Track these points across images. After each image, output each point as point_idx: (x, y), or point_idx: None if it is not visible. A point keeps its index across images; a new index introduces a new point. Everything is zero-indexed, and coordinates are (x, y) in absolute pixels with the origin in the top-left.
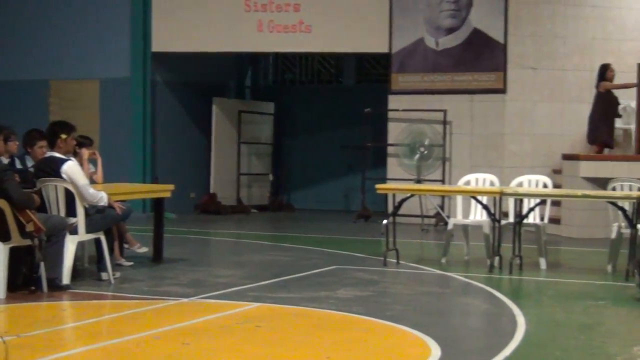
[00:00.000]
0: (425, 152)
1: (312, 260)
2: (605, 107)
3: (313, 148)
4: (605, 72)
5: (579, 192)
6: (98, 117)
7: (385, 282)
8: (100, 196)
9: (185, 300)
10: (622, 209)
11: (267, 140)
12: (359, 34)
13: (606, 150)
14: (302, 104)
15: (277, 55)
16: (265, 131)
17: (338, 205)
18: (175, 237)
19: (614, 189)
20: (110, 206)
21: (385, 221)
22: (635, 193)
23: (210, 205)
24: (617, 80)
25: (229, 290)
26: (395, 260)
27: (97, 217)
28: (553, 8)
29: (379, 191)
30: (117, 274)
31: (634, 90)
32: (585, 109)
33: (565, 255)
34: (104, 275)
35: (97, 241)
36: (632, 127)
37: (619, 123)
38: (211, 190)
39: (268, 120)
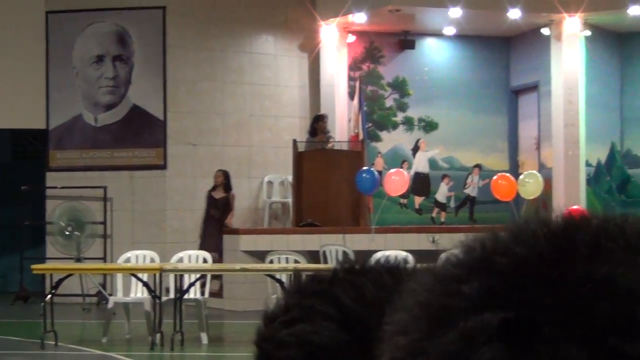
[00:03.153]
0: (72, 232)
1: None
2: None
3: None
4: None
5: (237, 266)
6: None
7: None
8: None
9: None
10: (279, 281)
11: None
12: (14, 110)
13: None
14: None
15: None
16: None
17: None
18: None
19: (271, 261)
20: None
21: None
22: (291, 265)
23: None
24: (275, 153)
25: None
26: (53, 343)
27: None
28: (211, 85)
29: (35, 271)
30: None
31: (290, 164)
32: (244, 183)
33: (227, 329)
34: None
35: None
36: (290, 200)
37: (277, 197)
38: None
39: None
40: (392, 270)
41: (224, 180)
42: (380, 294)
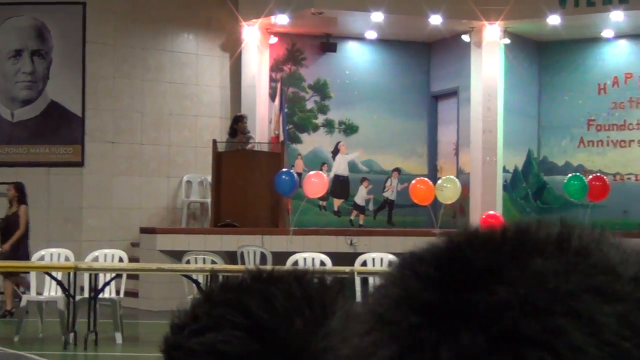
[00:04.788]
0: None
1: None
2: None
3: None
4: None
5: (154, 266)
6: None
7: None
8: None
9: None
10: (195, 281)
11: None
12: None
13: None
14: None
15: None
16: None
17: None
18: None
19: (188, 261)
20: None
21: None
22: (208, 266)
23: None
24: (194, 153)
25: None
26: None
27: None
28: (130, 83)
29: None
30: None
31: (209, 164)
32: (163, 182)
33: (142, 329)
34: None
35: None
36: (209, 200)
37: (196, 196)
38: None
39: None
40: (301, 280)
41: (16, 194)
42: (289, 303)
